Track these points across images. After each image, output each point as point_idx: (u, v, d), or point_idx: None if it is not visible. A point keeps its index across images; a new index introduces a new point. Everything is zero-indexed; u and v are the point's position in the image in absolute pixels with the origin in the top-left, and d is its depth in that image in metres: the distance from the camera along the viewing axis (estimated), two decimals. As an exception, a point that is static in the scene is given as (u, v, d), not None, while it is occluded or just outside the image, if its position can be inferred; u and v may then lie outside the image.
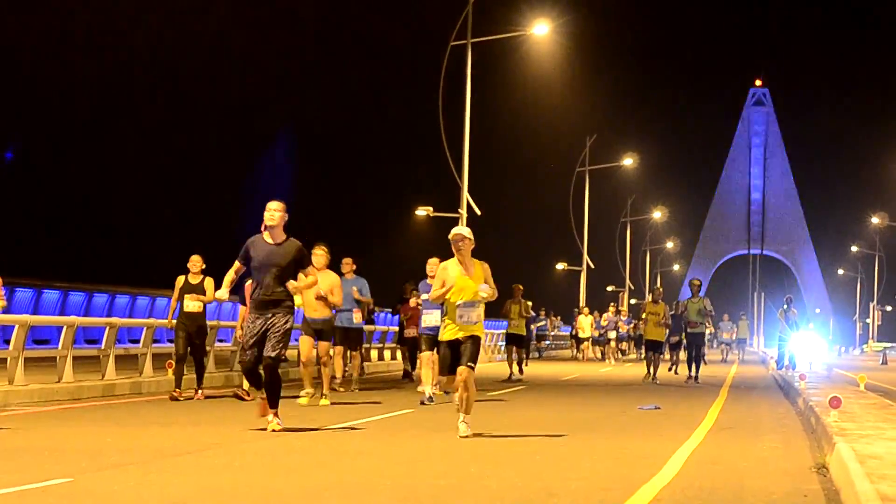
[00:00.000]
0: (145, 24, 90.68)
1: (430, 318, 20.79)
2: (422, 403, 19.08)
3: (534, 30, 48.56)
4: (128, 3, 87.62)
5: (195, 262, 20.08)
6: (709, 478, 10.40)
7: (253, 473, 10.24)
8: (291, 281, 14.23)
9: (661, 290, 32.92)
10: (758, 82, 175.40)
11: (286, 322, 14.09)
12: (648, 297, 32.03)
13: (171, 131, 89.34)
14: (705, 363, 35.27)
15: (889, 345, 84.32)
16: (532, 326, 46.27)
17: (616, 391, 25.11)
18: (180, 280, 20.01)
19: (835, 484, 9.96)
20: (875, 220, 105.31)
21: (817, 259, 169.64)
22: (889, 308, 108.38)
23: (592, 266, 77.65)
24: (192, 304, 19.91)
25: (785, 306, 35.09)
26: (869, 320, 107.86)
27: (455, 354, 13.70)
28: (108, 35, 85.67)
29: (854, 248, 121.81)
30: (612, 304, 55.26)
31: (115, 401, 19.01)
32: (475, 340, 13.76)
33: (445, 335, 13.80)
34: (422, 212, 50.27)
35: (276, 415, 14.06)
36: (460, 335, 13.67)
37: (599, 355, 51.91)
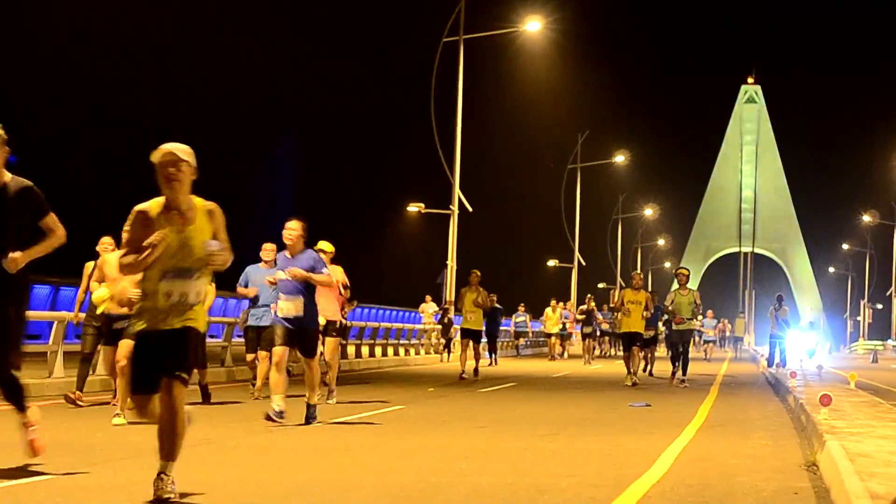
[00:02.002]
0: (147, 25, 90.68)
1: (286, 305, 14.56)
2: (268, 419, 14.17)
3: (526, 26, 48.60)
4: (130, 3, 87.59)
5: (106, 245, 16.40)
6: (699, 475, 10.41)
7: (243, 469, 10.24)
8: (17, 253, 9.31)
9: (641, 275, 27.96)
10: (750, 80, 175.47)
11: (16, 300, 9.48)
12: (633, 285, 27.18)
13: (172, 130, 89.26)
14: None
15: (879, 343, 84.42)
16: (502, 319, 42.85)
17: (606, 388, 25.09)
18: (89, 266, 16.99)
19: (825, 482, 9.97)
20: (866, 218, 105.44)
21: (809, 257, 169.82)
22: (880, 306, 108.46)
23: (584, 263, 77.80)
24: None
25: (775, 304, 35.15)
26: (860, 318, 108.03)
27: (151, 357, 8.25)
28: (109, 36, 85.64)
29: (845, 247, 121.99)
30: (588, 296, 49.65)
31: (106, 396, 18.97)
32: (190, 336, 8.30)
33: (139, 324, 8.40)
34: (413, 208, 50.30)
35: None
36: (163, 326, 8.21)
37: (559, 352, 46.56)
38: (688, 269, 27.60)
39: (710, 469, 10.89)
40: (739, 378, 32.02)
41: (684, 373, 26.51)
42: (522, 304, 50.64)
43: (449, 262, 46.78)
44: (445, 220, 47.41)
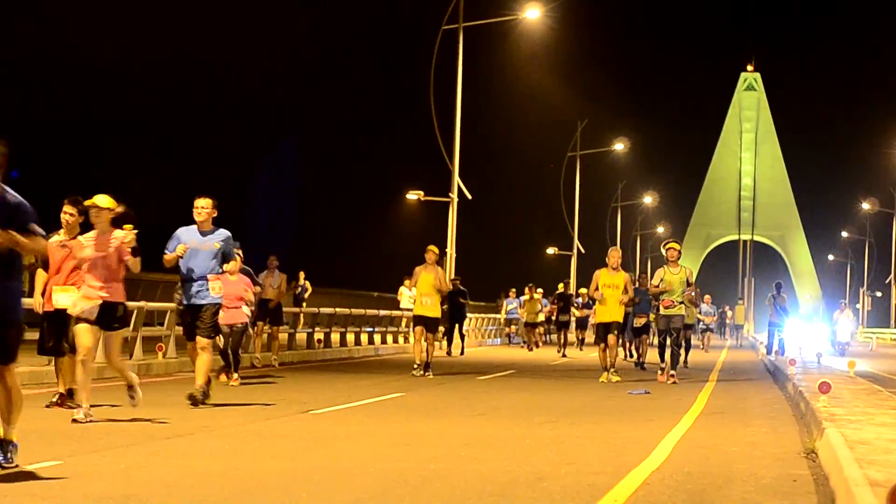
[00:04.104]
0: (145, 27, 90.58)
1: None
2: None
3: (525, 14, 48.57)
4: (128, 6, 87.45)
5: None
6: (698, 462, 10.42)
7: (242, 457, 10.25)
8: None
9: (619, 252, 23.20)
10: (749, 67, 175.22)
11: None
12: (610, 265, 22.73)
13: (173, 127, 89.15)
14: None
15: (879, 331, 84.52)
16: (467, 305, 38.40)
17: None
18: None
19: (824, 469, 9.98)
20: (865, 205, 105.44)
21: (808, 245, 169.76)
22: (879, 294, 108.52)
23: (583, 251, 77.76)
24: None
25: (774, 292, 35.15)
26: (859, 306, 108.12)
27: None
28: (107, 40, 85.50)
29: (844, 234, 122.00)
30: (565, 281, 45.24)
31: (105, 383, 18.98)
32: None
33: None
34: (413, 196, 50.29)
35: None
36: None
37: (534, 341, 42.66)
38: (679, 244, 23.08)
39: (709, 456, 10.90)
40: (738, 366, 32.03)
41: (673, 366, 22.60)
42: (514, 290, 47.82)
43: (448, 249, 46.75)
44: (445, 208, 47.39)
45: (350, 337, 34.48)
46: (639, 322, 27.98)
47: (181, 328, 16.03)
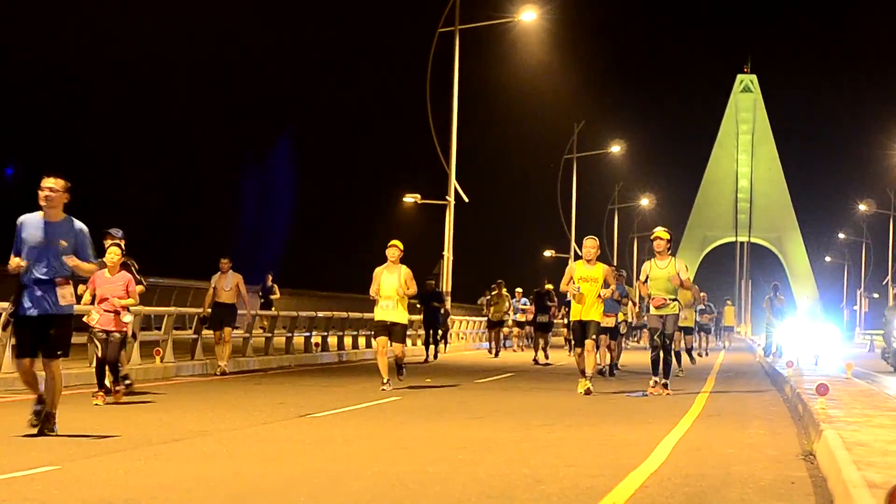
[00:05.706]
0: (144, 27, 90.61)
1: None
2: None
3: (521, 16, 48.61)
4: (126, 5, 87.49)
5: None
6: (696, 465, 10.41)
7: (240, 461, 10.24)
8: None
9: (596, 241, 20.09)
10: (746, 69, 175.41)
11: None
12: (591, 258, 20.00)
13: (171, 129, 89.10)
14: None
15: (877, 332, 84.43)
16: (443, 307, 37.18)
17: (602, 379, 25.08)
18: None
19: (822, 471, 9.98)
20: (862, 207, 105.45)
21: (805, 246, 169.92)
22: (876, 295, 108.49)
23: (580, 253, 77.81)
24: None
25: (771, 294, 35.14)
26: (856, 307, 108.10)
27: None
28: (105, 38, 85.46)
29: (841, 236, 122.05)
30: (543, 278, 40.33)
31: (91, 387, 18.95)
32: None
33: None
34: (410, 199, 50.30)
35: None
36: None
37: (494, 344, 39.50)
38: (668, 232, 19.93)
39: (707, 458, 10.90)
40: (736, 368, 32.01)
41: (666, 375, 19.81)
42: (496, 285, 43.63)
43: (445, 253, 46.76)
44: (442, 211, 47.41)
45: (347, 340, 34.49)
46: (607, 322, 23.64)
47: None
